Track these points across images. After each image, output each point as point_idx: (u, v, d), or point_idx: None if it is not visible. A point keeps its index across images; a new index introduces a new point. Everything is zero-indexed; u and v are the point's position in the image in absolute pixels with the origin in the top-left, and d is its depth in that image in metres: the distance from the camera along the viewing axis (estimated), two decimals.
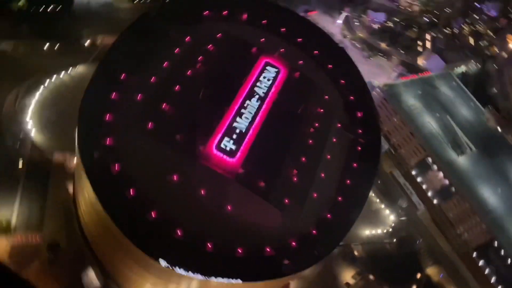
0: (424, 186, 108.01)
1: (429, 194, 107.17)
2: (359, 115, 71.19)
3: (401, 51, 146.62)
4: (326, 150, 65.23)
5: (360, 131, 69.46)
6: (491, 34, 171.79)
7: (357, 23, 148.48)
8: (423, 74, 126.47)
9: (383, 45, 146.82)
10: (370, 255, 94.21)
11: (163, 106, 59.85)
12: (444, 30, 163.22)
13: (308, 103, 67.69)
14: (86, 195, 57.58)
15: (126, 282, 65.91)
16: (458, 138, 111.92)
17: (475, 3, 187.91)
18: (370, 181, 66.67)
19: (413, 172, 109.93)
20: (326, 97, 70.73)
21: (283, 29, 75.66)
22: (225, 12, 73.65)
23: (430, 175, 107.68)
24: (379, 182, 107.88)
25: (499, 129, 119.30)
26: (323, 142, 65.99)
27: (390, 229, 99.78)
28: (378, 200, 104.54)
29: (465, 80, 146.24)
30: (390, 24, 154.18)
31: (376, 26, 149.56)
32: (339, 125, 69.25)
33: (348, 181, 64.02)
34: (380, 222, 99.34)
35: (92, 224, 61.96)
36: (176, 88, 62.38)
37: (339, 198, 62.29)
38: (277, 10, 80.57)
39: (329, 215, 60.50)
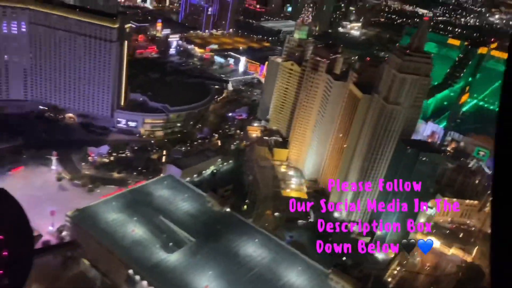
0: None
1: None
2: None
3: (135, 173, 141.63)
4: None
5: None
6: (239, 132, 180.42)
7: (84, 163, 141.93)
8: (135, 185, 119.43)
9: (115, 174, 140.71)
10: None
11: None
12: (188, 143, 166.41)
13: None
14: None
15: None
16: (175, 235, 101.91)
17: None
18: None
19: None
20: None
21: None
22: None
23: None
24: None
25: (225, 209, 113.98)
26: None
27: None
28: None
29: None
30: (126, 153, 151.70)
31: (104, 159, 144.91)
32: None
33: None
34: None
35: None
36: None
37: None
38: None
39: None
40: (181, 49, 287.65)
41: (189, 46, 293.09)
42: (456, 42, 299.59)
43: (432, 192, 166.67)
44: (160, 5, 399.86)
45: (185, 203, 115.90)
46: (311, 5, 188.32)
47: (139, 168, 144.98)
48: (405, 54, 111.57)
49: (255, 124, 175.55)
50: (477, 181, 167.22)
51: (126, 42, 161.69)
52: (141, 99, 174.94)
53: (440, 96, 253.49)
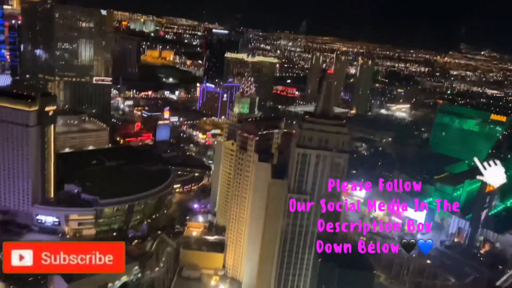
0: None
1: None
2: None
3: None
4: None
5: None
6: None
7: None
8: None
9: None
10: None
11: None
12: None
13: None
14: None
15: None
16: None
17: None
18: None
19: None
20: None
21: None
22: None
23: None
24: None
25: None
26: None
27: None
28: None
29: None
30: None
31: None
32: None
33: None
34: None
35: None
36: None
37: None
38: None
39: None
40: (185, 135, 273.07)
41: (194, 133, 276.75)
42: (502, 118, 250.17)
43: None
44: (189, 96, 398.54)
45: None
46: (250, 76, 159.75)
47: (30, 279, 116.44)
48: (305, 120, 76.53)
49: (200, 220, 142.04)
50: None
51: (52, 127, 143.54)
52: (75, 191, 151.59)
53: (476, 183, 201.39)
